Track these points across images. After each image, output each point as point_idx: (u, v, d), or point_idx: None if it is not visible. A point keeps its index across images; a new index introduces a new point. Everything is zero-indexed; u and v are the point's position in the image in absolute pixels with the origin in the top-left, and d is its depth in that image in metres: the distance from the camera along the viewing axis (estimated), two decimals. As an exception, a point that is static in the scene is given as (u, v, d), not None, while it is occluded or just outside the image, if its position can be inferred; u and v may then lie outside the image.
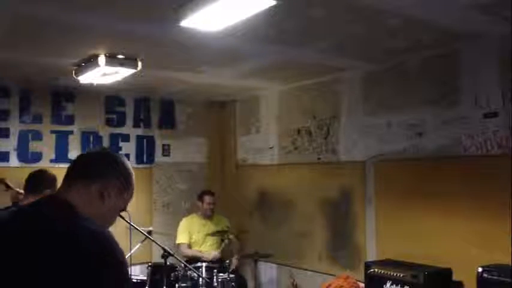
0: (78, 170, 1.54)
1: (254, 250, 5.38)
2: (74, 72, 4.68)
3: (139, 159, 6.30)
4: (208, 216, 5.82)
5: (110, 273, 1.32)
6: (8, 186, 4.79)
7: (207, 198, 5.82)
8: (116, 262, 1.34)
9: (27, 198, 3.45)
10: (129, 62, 4.33)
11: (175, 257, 3.87)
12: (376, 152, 4.79)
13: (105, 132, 6.05)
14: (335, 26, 3.59)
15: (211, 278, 4.83)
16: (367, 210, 4.85)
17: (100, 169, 1.53)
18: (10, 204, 4.09)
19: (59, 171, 2.33)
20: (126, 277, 1.41)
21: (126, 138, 6.20)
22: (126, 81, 4.95)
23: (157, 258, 5.06)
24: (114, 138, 6.12)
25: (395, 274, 4.01)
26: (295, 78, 5.45)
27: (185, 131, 6.68)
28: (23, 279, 1.27)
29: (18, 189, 4.41)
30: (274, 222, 6.01)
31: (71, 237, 1.32)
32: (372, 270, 4.20)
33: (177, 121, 6.63)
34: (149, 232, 4.71)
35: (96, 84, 4.90)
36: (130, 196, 1.60)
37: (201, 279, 4.75)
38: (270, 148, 6.13)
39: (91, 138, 5.96)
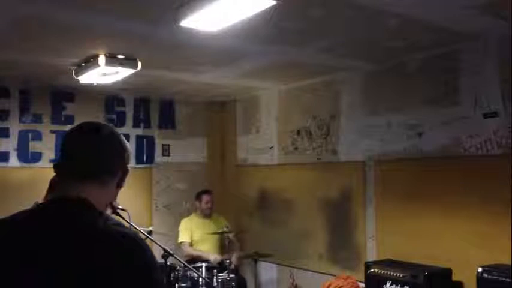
0: (91, 166, 1.41)
1: (254, 250, 5.38)
2: (74, 72, 4.68)
3: (139, 160, 6.29)
4: (207, 215, 5.84)
5: (150, 276, 1.29)
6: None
7: (205, 197, 5.84)
8: (154, 265, 1.33)
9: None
10: (129, 62, 4.33)
11: (176, 257, 3.87)
12: (376, 152, 4.79)
13: (105, 132, 6.04)
14: (335, 26, 3.59)
15: (211, 278, 4.83)
16: (367, 210, 4.85)
17: (114, 162, 1.45)
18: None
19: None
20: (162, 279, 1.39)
21: (126, 138, 6.03)
22: (126, 81, 4.95)
23: (157, 258, 5.06)
24: (114, 138, 6.11)
25: (395, 274, 4.01)
26: (295, 78, 5.45)
27: (185, 131, 6.68)
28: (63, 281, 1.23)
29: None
30: (274, 222, 6.00)
31: (104, 239, 1.28)
32: (372, 270, 4.20)
33: (177, 121, 6.63)
34: (149, 232, 4.71)
35: (96, 84, 4.90)
36: None
37: (201, 279, 4.75)
38: (270, 148, 6.13)
39: (91, 138, 5.95)
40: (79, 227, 1.30)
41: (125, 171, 1.48)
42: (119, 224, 1.35)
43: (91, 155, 1.42)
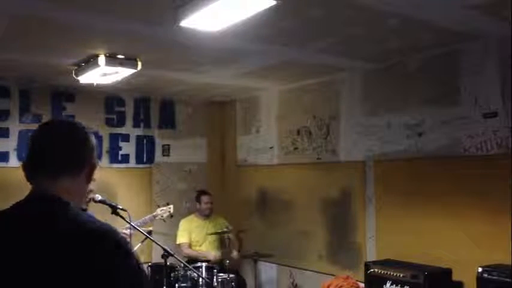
0: (60, 161, 1.42)
1: (254, 250, 5.38)
2: (74, 72, 4.68)
3: (139, 159, 6.29)
4: (207, 216, 5.84)
5: (127, 270, 1.31)
6: None
7: (205, 198, 5.84)
8: (131, 259, 1.33)
9: None
10: (129, 62, 4.34)
11: (175, 257, 3.87)
12: (376, 152, 4.79)
13: (105, 132, 6.05)
14: (335, 26, 3.59)
15: (211, 278, 4.83)
16: (367, 210, 4.85)
17: (81, 156, 1.46)
18: None
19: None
20: (142, 271, 1.40)
21: (126, 138, 6.20)
22: (126, 81, 4.95)
23: (157, 258, 5.07)
24: (114, 138, 6.12)
25: (395, 274, 4.01)
26: (295, 78, 5.45)
27: (185, 131, 6.68)
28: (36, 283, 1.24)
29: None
30: (274, 222, 6.01)
31: (81, 237, 1.29)
32: (372, 270, 4.20)
33: (177, 121, 6.62)
34: (149, 232, 4.70)
35: (96, 84, 4.90)
36: None
37: (201, 279, 4.75)
38: (270, 148, 6.12)
39: (91, 138, 5.95)
40: (54, 224, 1.31)
41: (93, 166, 1.49)
42: (97, 221, 1.36)
43: (60, 149, 1.43)
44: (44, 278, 1.24)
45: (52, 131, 1.49)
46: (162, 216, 5.25)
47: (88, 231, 1.31)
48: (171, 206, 5.31)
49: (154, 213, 5.19)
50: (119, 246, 1.31)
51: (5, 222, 1.37)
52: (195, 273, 4.68)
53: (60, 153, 1.43)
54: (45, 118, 5.69)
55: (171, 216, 5.37)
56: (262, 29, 3.57)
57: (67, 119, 1.52)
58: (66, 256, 1.25)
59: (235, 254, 5.62)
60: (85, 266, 1.24)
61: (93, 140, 1.52)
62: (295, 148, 5.76)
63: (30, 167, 1.44)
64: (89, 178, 1.49)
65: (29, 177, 1.43)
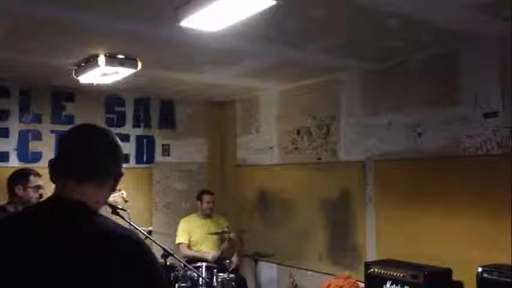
0: (87, 168, 1.40)
1: (254, 250, 5.38)
2: (74, 72, 4.68)
3: (139, 159, 6.29)
4: (208, 215, 5.84)
5: (154, 274, 1.31)
6: None
7: (206, 198, 5.84)
8: (155, 270, 1.33)
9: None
10: (129, 62, 4.33)
11: (175, 257, 3.87)
12: (376, 152, 4.79)
13: (105, 132, 6.04)
14: (335, 26, 3.59)
15: (211, 278, 4.83)
16: (367, 210, 4.85)
17: (111, 164, 1.45)
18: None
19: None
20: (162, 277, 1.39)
21: (126, 138, 6.19)
22: (126, 81, 4.95)
23: (157, 258, 5.06)
24: (114, 138, 6.11)
25: (395, 274, 4.01)
26: (295, 78, 5.45)
27: (185, 131, 6.68)
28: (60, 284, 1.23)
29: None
30: (274, 222, 6.00)
31: (105, 241, 1.27)
32: (372, 270, 4.20)
33: (177, 121, 6.63)
34: (149, 232, 4.70)
35: (96, 84, 4.90)
36: None
37: (201, 279, 4.75)
38: (270, 148, 6.12)
39: (91, 138, 5.95)
40: (80, 229, 1.29)
41: (120, 174, 1.48)
42: (120, 227, 1.35)
43: (90, 156, 1.42)
44: (65, 280, 1.22)
45: (83, 136, 1.47)
46: (115, 203, 5.13)
47: (112, 235, 1.29)
48: (123, 192, 5.22)
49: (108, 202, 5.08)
50: (143, 253, 1.30)
51: (27, 222, 1.35)
52: (195, 273, 4.68)
53: (89, 160, 1.42)
54: (45, 118, 5.70)
55: (126, 201, 5.29)
56: (262, 29, 3.57)
57: (101, 125, 1.48)
58: (89, 260, 1.23)
59: (235, 259, 5.61)
60: (109, 270, 1.22)
61: (121, 146, 1.51)
62: (295, 148, 5.76)
63: (58, 169, 1.42)
64: (114, 187, 1.47)
65: (55, 178, 1.42)
